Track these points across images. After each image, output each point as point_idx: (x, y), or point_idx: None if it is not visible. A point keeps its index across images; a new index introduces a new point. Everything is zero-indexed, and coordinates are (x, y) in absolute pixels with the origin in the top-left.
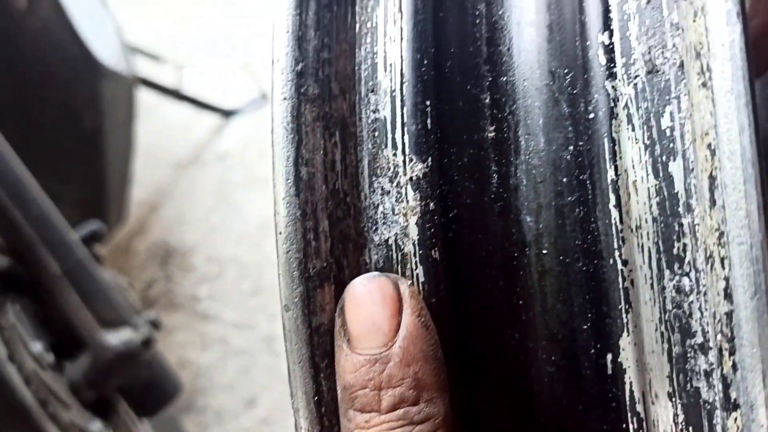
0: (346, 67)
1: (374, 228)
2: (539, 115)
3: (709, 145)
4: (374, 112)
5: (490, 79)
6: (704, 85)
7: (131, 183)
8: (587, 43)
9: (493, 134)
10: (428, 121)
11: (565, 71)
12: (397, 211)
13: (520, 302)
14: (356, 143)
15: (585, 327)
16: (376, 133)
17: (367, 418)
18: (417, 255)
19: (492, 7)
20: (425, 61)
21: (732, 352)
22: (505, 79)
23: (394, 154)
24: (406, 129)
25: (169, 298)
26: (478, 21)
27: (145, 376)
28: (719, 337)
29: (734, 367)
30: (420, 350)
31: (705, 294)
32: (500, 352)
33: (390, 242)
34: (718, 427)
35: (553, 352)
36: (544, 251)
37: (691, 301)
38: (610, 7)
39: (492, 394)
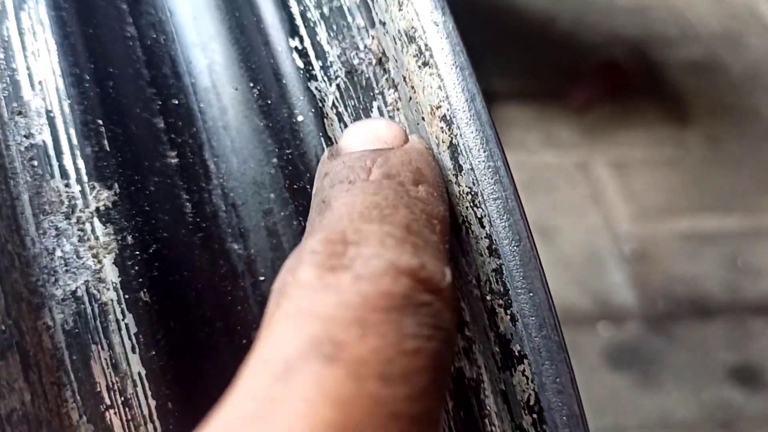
0: None
1: (53, 280)
2: (225, 136)
3: (443, 117)
4: (27, 137)
5: (159, 102)
6: (426, 63)
7: None
8: (277, 50)
9: (176, 160)
10: (105, 142)
11: (251, 85)
12: (84, 252)
13: (244, 341)
14: (6, 176)
15: None
16: (35, 162)
17: (347, 188)
18: (123, 301)
19: (144, 29)
20: (86, 77)
21: (508, 306)
22: (176, 102)
23: (67, 185)
24: (79, 152)
25: None
26: (131, 43)
27: None
28: (489, 297)
29: (513, 318)
30: (425, 160)
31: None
32: None
33: (80, 293)
34: (489, 402)
35: None
36: (261, 278)
37: None
38: (293, 15)
39: None
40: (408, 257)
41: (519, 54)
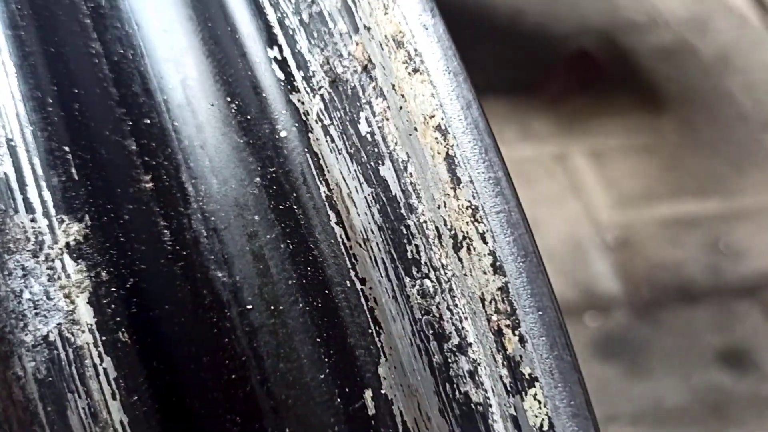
0: None
1: (21, 325)
2: (203, 155)
3: (438, 127)
4: None
5: (130, 123)
6: (416, 70)
7: None
8: (255, 62)
9: (151, 184)
10: (73, 170)
11: (228, 99)
12: (54, 293)
13: (233, 376)
14: None
15: (322, 377)
16: None
17: None
18: (100, 343)
19: (110, 45)
20: (49, 101)
21: (516, 326)
22: (149, 121)
23: (33, 219)
24: (44, 183)
25: None
26: (97, 60)
27: None
28: (495, 318)
29: (522, 339)
30: None
31: (450, 290)
32: None
33: (52, 338)
34: (498, 427)
35: (286, 424)
36: (249, 306)
37: (438, 303)
38: (270, 24)
39: None
40: None
41: (490, 49)
